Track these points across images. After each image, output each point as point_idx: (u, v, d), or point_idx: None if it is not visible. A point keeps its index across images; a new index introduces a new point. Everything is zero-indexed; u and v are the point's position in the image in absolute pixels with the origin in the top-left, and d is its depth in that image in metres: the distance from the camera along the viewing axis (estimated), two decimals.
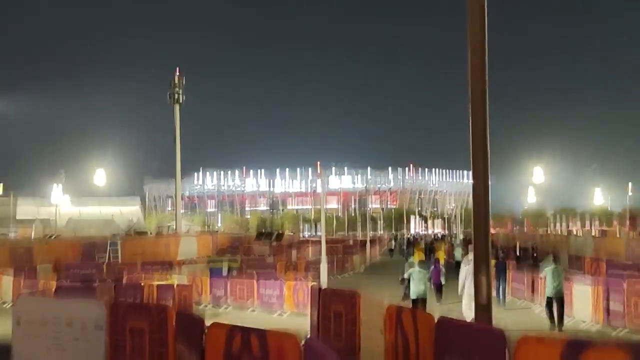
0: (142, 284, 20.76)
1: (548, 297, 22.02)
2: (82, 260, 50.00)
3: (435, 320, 9.23)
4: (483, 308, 10.35)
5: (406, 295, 24.10)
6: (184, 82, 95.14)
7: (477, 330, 8.91)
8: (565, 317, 22.16)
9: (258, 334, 8.22)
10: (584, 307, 22.70)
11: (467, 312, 20.34)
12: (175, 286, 22.05)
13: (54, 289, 25.15)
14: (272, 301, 26.65)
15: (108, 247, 52.34)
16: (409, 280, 23.28)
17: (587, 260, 43.22)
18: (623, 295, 21.02)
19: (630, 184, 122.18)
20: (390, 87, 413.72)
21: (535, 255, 47.99)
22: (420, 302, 21.99)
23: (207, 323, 21.00)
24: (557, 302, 21.70)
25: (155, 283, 22.00)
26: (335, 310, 12.35)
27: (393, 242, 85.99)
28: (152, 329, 9.78)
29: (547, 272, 22.32)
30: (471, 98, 10.28)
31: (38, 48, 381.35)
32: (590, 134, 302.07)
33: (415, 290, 22.28)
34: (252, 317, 26.01)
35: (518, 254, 48.02)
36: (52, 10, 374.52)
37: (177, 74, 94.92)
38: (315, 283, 25.86)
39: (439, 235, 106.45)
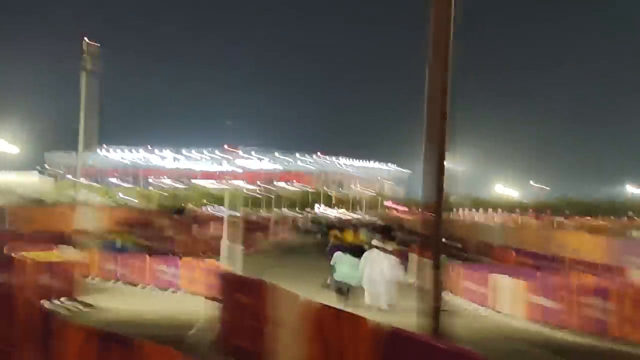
0: (13, 256, 18.53)
1: None
2: None
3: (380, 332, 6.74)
4: (430, 315, 8.45)
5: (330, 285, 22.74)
6: (95, 50, 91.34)
7: (450, 354, 6.43)
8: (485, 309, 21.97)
9: (122, 344, 6.15)
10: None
11: (367, 298, 21.33)
12: (54, 260, 19.92)
13: None
14: (165, 278, 24.77)
15: None
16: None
17: (495, 248, 42.82)
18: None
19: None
20: (304, 69, 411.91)
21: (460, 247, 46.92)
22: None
23: (95, 298, 18.90)
24: None
25: (31, 255, 19.82)
26: (238, 300, 10.48)
27: (305, 222, 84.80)
28: None
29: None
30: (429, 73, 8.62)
31: None
32: (495, 127, 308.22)
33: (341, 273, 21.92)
34: (142, 294, 24.17)
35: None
36: None
37: (86, 40, 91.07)
38: (216, 262, 24.16)
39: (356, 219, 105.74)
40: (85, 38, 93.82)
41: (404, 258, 31.30)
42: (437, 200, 8.54)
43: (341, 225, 64.21)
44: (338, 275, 21.98)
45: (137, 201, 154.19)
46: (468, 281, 24.67)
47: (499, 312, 21.82)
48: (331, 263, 22.46)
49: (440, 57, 8.49)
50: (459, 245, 46.64)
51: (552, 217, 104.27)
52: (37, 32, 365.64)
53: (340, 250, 23.58)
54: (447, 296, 24.38)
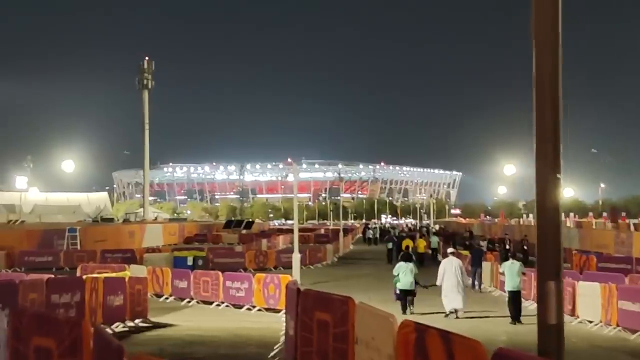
0: (84, 277, 18.10)
1: (508, 292, 22.11)
2: (39, 247, 47.17)
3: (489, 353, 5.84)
4: (552, 333, 7.39)
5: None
6: (153, 68, 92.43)
7: None
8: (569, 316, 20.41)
9: None
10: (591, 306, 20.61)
11: (446, 302, 22.20)
12: (126, 279, 19.47)
13: None
14: (239, 295, 24.20)
15: (67, 234, 49.44)
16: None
17: (574, 253, 41.14)
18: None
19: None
20: (365, 82, 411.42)
21: (526, 248, 45.31)
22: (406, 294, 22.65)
23: (168, 318, 18.45)
24: (514, 297, 21.70)
25: (102, 276, 19.41)
26: (319, 319, 9.55)
27: (370, 231, 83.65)
28: (62, 351, 7.15)
29: (504, 267, 22.72)
30: (536, 80, 7.75)
31: (4, 32, 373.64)
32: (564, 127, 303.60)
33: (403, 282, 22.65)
34: (217, 312, 23.64)
35: (507, 247, 45.16)
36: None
37: (147, 59, 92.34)
38: (289, 278, 23.43)
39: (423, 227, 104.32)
40: (146, 57, 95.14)
41: (476, 264, 31.58)
42: (554, 202, 7.61)
43: (410, 233, 63.08)
44: (401, 284, 22.69)
45: (204, 216, 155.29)
46: None
47: (590, 321, 20.62)
48: (394, 273, 23.11)
49: (548, 44, 7.61)
50: (525, 248, 45.31)
51: (627, 219, 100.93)
52: (98, 56, 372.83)
53: (410, 259, 23.94)
54: (530, 305, 23.59)
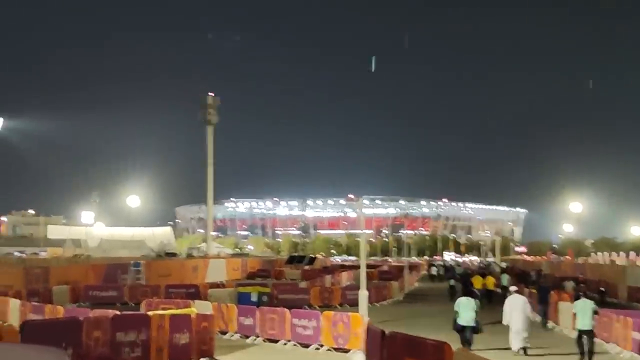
0: (150, 315, 17.40)
1: (578, 331, 21.55)
2: (104, 282, 47.11)
3: None
4: None
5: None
6: (217, 103, 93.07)
7: None
8: None
9: None
10: None
11: (513, 342, 22.78)
12: (193, 317, 18.74)
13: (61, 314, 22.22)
14: (306, 333, 23.31)
15: (131, 268, 49.32)
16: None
17: None
18: None
19: None
20: (422, 118, 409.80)
21: (603, 290, 43.41)
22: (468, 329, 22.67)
23: (234, 357, 17.69)
24: (587, 337, 21.22)
25: (168, 313, 18.73)
26: None
27: (434, 268, 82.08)
28: None
29: (576, 306, 22.16)
30: None
31: (63, 67, 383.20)
32: (628, 166, 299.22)
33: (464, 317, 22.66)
34: (284, 351, 22.78)
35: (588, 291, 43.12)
36: (79, 37, 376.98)
37: (211, 94, 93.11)
38: (359, 316, 22.51)
39: (486, 264, 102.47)
40: (211, 93, 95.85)
41: (544, 302, 31.61)
42: None
43: (480, 271, 61.60)
44: (461, 320, 22.58)
45: (266, 252, 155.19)
46: (637, 332, 21.98)
47: None
48: (454, 308, 23.07)
49: None
50: (603, 290, 43.51)
51: None
52: (163, 89, 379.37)
53: (472, 295, 24.50)
54: (614, 349, 22.26)
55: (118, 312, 19.29)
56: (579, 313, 21.63)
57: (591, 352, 20.98)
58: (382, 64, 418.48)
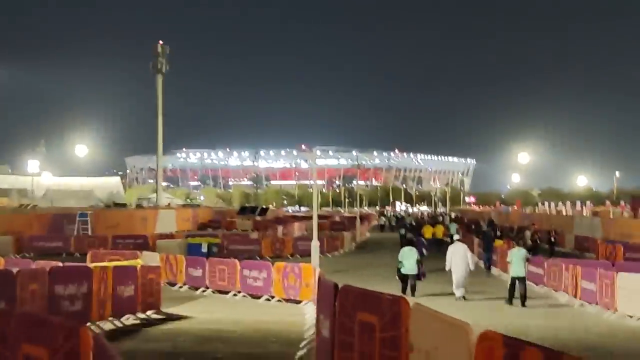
0: (92, 267, 16.70)
1: (512, 278, 22.56)
2: (49, 232, 46.07)
3: None
4: None
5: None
6: (167, 52, 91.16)
7: None
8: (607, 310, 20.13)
9: None
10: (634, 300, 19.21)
11: (455, 289, 23.35)
12: (138, 268, 18.08)
13: None
14: (257, 285, 22.86)
15: (77, 219, 48.28)
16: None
17: (599, 242, 39.61)
18: None
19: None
20: (380, 70, 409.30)
21: (554, 240, 43.67)
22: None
23: (182, 309, 17.09)
24: (520, 282, 22.33)
25: (111, 264, 18.06)
26: (362, 320, 8.11)
27: (383, 219, 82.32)
28: None
29: (511, 254, 23.06)
30: None
31: (21, 19, 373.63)
32: (575, 117, 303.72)
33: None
34: (234, 303, 22.33)
35: (553, 239, 43.30)
36: None
37: (160, 43, 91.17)
38: (310, 267, 22.13)
39: (436, 214, 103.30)
40: (160, 41, 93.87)
41: (487, 250, 33.37)
42: None
43: (431, 221, 61.92)
44: (404, 269, 23.78)
45: (217, 203, 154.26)
46: (586, 280, 22.00)
47: (631, 315, 19.22)
48: (398, 258, 24.25)
49: None
50: (553, 239, 43.79)
51: None
52: (113, 42, 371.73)
53: (413, 244, 25.48)
54: (564, 297, 22.34)
55: (60, 264, 18.58)
56: (513, 261, 22.64)
57: (524, 296, 22.15)
58: (336, 17, 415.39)
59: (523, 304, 21.95)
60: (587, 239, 45.39)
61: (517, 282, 22.26)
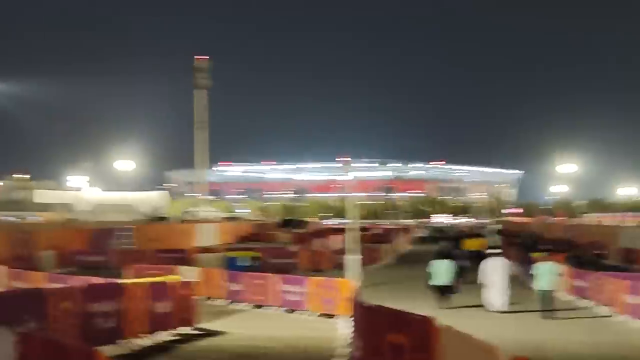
0: (125, 283, 16.63)
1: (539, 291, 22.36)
2: (92, 247, 46.47)
3: None
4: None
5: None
6: (212, 68, 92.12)
7: None
8: None
9: None
10: None
11: (492, 301, 22.82)
12: (173, 284, 17.96)
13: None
14: (293, 298, 22.69)
15: (119, 233, 48.69)
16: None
17: None
18: None
19: None
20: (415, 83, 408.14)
21: (599, 254, 42.77)
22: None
23: (219, 325, 17.00)
24: (546, 295, 22.17)
25: (144, 281, 17.99)
26: (391, 341, 7.98)
27: (425, 230, 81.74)
28: None
29: (538, 268, 22.62)
30: None
31: (65, 33, 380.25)
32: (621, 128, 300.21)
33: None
34: (271, 317, 22.18)
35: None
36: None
37: (199, 58, 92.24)
38: (348, 282, 21.93)
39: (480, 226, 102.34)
40: (196, 56, 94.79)
41: (525, 263, 31.53)
42: None
43: (472, 233, 61.26)
44: (434, 281, 23.67)
45: (256, 215, 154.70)
46: (631, 295, 21.43)
47: None
48: (427, 270, 24.06)
49: None
50: (598, 253, 42.89)
51: None
52: (160, 58, 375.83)
53: (446, 257, 24.97)
54: (607, 311, 21.79)
55: (93, 281, 18.62)
56: (539, 274, 22.35)
57: (550, 310, 21.82)
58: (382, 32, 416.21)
59: (550, 317, 21.57)
60: (633, 251, 44.38)
61: (544, 295, 22.08)
